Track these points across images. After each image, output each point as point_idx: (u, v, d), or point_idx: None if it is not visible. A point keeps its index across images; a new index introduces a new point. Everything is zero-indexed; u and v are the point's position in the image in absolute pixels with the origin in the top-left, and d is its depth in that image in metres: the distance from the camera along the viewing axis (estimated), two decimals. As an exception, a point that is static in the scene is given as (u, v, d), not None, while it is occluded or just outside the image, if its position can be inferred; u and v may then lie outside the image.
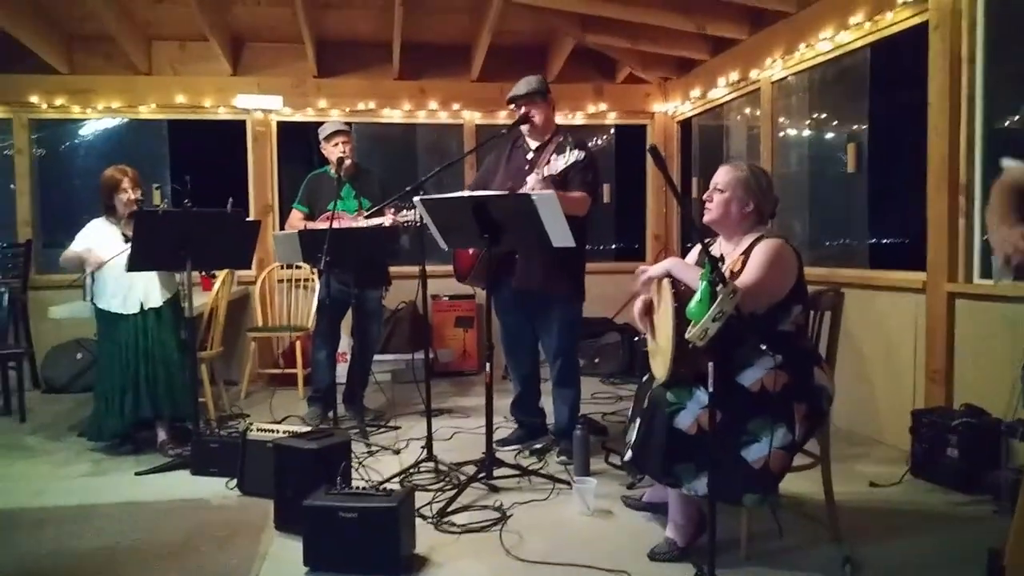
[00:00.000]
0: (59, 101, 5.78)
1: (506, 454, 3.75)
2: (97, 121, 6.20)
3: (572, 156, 3.42)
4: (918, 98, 3.75)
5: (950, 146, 3.53)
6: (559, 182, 3.49)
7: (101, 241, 3.96)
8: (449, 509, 3.02)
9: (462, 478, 3.32)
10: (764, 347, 2.47)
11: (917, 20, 3.76)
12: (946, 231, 3.54)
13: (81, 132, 6.29)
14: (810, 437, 2.58)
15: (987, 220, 1.66)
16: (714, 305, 2.09)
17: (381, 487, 2.74)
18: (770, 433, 2.42)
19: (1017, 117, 3.51)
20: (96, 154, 6.23)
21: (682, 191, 6.51)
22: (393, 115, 6.25)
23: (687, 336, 2.19)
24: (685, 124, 6.48)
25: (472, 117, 6.35)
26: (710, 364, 2.21)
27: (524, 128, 3.82)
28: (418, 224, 3.73)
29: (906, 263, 4.09)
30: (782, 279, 2.55)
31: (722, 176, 2.71)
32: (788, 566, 2.57)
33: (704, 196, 2.76)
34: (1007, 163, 1.78)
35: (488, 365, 3.34)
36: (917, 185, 3.77)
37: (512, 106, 3.83)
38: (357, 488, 2.65)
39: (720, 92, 5.60)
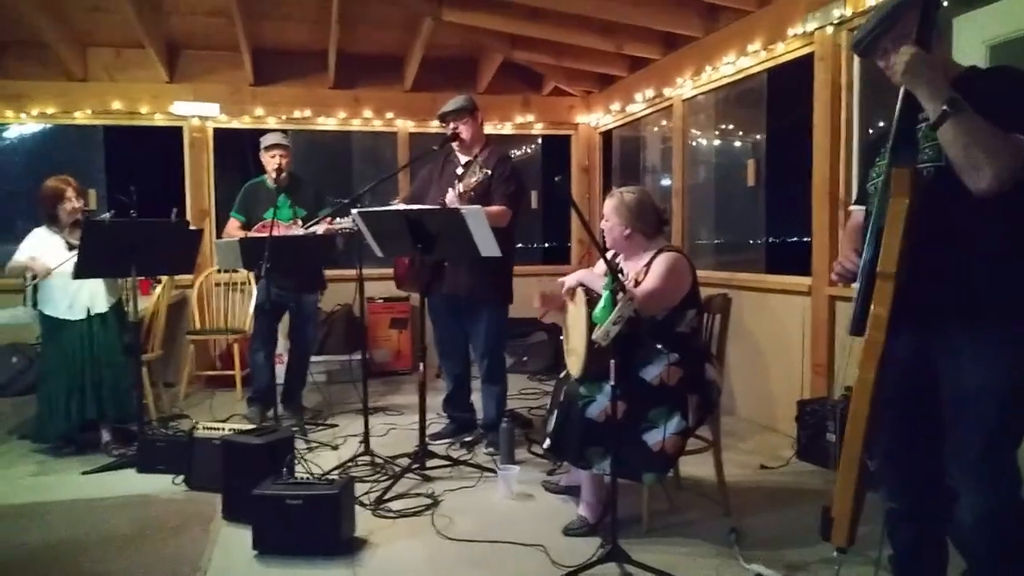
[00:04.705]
0: (-9, 106, 5.79)
1: (438, 447, 4.03)
2: (21, 126, 6.20)
3: (476, 177, 3.75)
4: (806, 120, 4.20)
5: (831, 165, 3.98)
6: (481, 195, 3.78)
7: (45, 250, 4.07)
8: (385, 497, 3.31)
9: (397, 469, 3.60)
10: (660, 347, 2.84)
11: (805, 51, 4.21)
12: (827, 240, 3.98)
13: (8, 136, 6.29)
14: (701, 424, 2.98)
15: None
16: (615, 311, 2.44)
17: (323, 477, 3.01)
18: (666, 420, 2.80)
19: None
20: (26, 160, 6.25)
21: (604, 196, 6.91)
22: (328, 123, 6.45)
23: (592, 338, 2.54)
24: (606, 135, 6.88)
25: (405, 126, 6.60)
26: (611, 361, 2.56)
27: (455, 143, 4.12)
28: (352, 231, 3.99)
29: (798, 268, 4.50)
30: (676, 287, 2.92)
31: (605, 207, 3.10)
32: (682, 536, 2.95)
33: (600, 224, 3.12)
34: (853, 208, 2.28)
35: (421, 365, 3.64)
36: (806, 198, 4.21)
37: (442, 122, 4.13)
38: (301, 478, 2.92)
39: (637, 107, 6.00)
